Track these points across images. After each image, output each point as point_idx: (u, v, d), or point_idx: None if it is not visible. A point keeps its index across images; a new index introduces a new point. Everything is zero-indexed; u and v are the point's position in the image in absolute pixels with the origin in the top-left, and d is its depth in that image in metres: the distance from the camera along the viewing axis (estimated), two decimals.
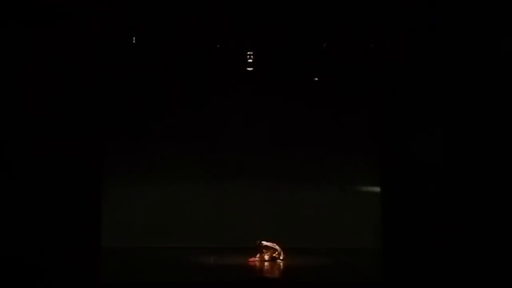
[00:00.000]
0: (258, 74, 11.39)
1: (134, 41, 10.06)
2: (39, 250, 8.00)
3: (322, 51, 10.28)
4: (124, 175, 12.56)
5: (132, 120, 12.54)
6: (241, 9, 9.29)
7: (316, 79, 11.88)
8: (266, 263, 10.80)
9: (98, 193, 8.62)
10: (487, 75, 8.82)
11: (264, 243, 10.95)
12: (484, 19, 8.66)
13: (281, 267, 10.64)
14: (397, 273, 8.88)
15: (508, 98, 8.76)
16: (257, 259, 10.83)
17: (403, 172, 9.16)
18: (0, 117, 8.11)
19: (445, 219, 8.78)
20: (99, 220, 8.67)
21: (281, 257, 10.90)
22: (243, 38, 10.38)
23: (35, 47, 8.20)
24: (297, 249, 11.46)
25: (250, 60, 10.82)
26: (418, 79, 9.31)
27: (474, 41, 8.84)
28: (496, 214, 8.47)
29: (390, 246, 9.22)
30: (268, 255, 10.87)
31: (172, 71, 11.69)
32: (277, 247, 10.97)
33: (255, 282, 9.07)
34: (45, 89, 8.28)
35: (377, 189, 11.34)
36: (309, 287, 8.83)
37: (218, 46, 10.43)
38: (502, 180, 8.56)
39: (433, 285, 8.30)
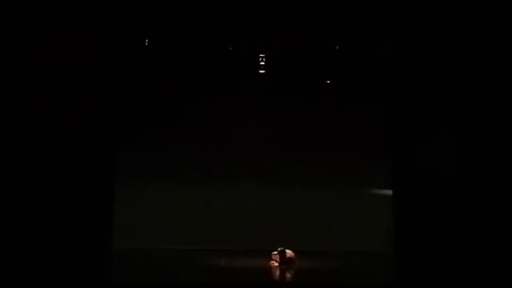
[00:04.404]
0: (270, 76, 11.39)
1: (146, 44, 10.12)
2: (51, 251, 8.05)
3: (335, 53, 10.28)
4: (135, 177, 12.58)
5: (144, 122, 12.57)
6: (253, 11, 9.31)
7: (328, 81, 11.86)
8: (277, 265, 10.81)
9: (110, 195, 8.66)
10: (501, 79, 8.78)
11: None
12: (497, 22, 8.62)
13: (293, 270, 10.60)
14: (409, 277, 8.84)
15: None
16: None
17: (415, 175, 9.13)
18: (15, 117, 8.18)
19: (457, 222, 8.73)
20: (111, 222, 8.71)
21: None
22: (255, 41, 10.39)
23: (51, 50, 8.27)
24: (308, 252, 11.42)
25: (262, 63, 10.82)
26: (431, 82, 9.28)
27: (487, 45, 8.81)
28: (510, 217, 8.42)
29: (402, 249, 9.19)
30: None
31: (184, 74, 11.73)
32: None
33: (267, 286, 9.05)
34: (59, 91, 8.35)
35: (389, 192, 11.31)
36: None
37: (230, 48, 10.45)
38: None
39: None
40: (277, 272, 10.27)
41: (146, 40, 10.08)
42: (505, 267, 8.24)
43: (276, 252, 10.72)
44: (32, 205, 8.09)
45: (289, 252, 10.77)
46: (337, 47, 10.18)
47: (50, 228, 8.09)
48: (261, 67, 10.89)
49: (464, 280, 8.24)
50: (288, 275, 10.16)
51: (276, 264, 10.64)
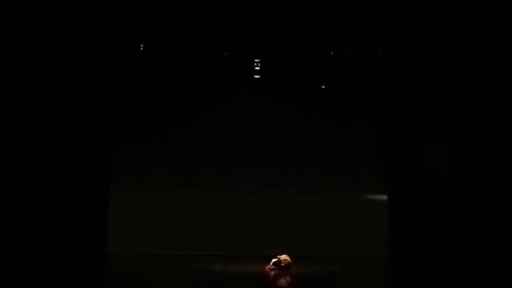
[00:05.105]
0: (265, 81, 11.40)
1: (141, 48, 10.12)
2: (45, 257, 8.03)
3: (330, 59, 10.31)
4: (130, 182, 12.54)
5: (139, 127, 12.55)
6: (248, 16, 9.33)
7: (323, 87, 11.89)
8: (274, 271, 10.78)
9: (105, 200, 8.67)
10: (495, 85, 8.82)
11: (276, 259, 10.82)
12: (493, 29, 8.67)
13: (288, 276, 10.60)
14: (404, 281, 8.84)
15: None
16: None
17: (410, 181, 9.16)
18: (10, 122, 8.17)
19: (452, 227, 8.76)
20: (106, 227, 8.70)
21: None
22: (250, 46, 10.42)
23: (46, 56, 8.28)
24: (303, 257, 11.42)
25: (257, 68, 10.84)
26: (425, 88, 9.32)
27: (483, 51, 8.85)
28: (504, 222, 8.45)
29: (397, 254, 9.21)
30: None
31: (180, 79, 11.73)
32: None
33: None
34: (54, 96, 8.35)
35: (384, 197, 11.31)
36: None
37: (225, 53, 10.47)
38: (510, 188, 8.54)
39: None
40: (273, 278, 10.27)
41: (141, 45, 10.09)
42: (500, 272, 8.26)
43: (275, 260, 10.72)
44: (27, 210, 8.07)
45: (285, 258, 10.76)
46: (332, 53, 10.21)
47: (45, 233, 8.07)
48: (256, 72, 10.90)
49: (459, 285, 8.26)
50: (283, 280, 10.16)
51: (272, 269, 10.65)
